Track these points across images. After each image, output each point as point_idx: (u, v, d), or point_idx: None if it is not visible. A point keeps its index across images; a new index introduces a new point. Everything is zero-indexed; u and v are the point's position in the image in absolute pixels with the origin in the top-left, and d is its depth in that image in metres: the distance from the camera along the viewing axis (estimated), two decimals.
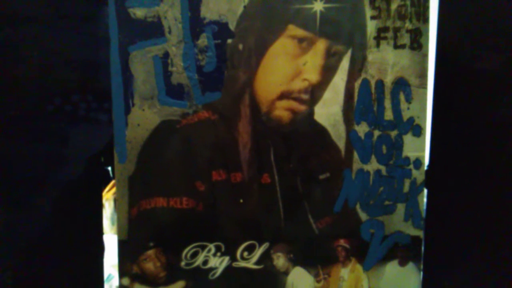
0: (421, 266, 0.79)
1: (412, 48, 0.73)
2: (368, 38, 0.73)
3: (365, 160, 0.75)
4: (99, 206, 0.80)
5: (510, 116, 0.76)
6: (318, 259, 0.77)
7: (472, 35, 0.76)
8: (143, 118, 0.73)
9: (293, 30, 0.71)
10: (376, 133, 0.75)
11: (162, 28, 0.71)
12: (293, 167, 0.75)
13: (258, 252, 0.76)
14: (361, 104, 0.74)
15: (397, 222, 0.77)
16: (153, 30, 0.71)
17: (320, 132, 0.74)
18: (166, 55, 0.71)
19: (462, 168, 0.79)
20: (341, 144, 0.75)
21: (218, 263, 0.76)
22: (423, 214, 0.77)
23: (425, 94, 0.75)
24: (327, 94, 0.73)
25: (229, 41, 0.71)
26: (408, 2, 0.72)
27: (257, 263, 0.76)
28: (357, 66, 0.73)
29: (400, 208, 0.77)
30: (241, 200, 0.75)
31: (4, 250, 0.75)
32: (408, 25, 0.73)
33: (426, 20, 0.73)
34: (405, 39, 0.73)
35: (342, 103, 0.74)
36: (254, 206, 0.75)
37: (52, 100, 0.74)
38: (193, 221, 0.75)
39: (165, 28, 0.71)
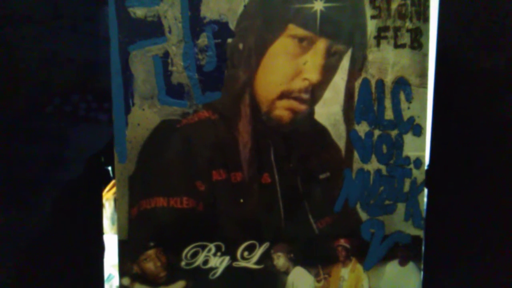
0: (422, 266, 0.79)
1: (412, 47, 0.73)
2: (368, 37, 0.73)
3: (365, 159, 0.75)
4: (99, 206, 0.80)
5: (511, 116, 0.76)
6: (318, 259, 0.77)
7: (473, 34, 0.76)
8: (143, 118, 0.73)
9: (293, 29, 0.71)
10: (377, 132, 0.75)
11: (162, 27, 0.71)
12: (293, 166, 0.75)
13: (259, 252, 0.76)
14: (361, 103, 0.74)
15: (398, 221, 0.77)
16: (153, 29, 0.71)
17: (320, 131, 0.74)
18: (166, 54, 0.71)
19: (462, 168, 0.79)
20: (341, 143, 0.75)
21: (218, 263, 0.76)
22: (424, 213, 0.77)
23: (425, 93, 0.75)
24: (328, 94, 0.73)
25: (229, 40, 0.71)
26: (409, 2, 0.72)
27: (257, 263, 0.76)
28: (358, 66, 0.73)
29: (401, 207, 0.77)
30: (242, 200, 0.75)
31: (4, 250, 0.75)
32: (408, 24, 0.73)
33: (426, 19, 0.73)
34: (406, 38, 0.73)
35: (342, 103, 0.74)
36: (254, 206, 0.75)
37: (52, 100, 0.74)
38: (193, 221, 0.74)
39: (165, 28, 0.71)
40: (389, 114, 0.75)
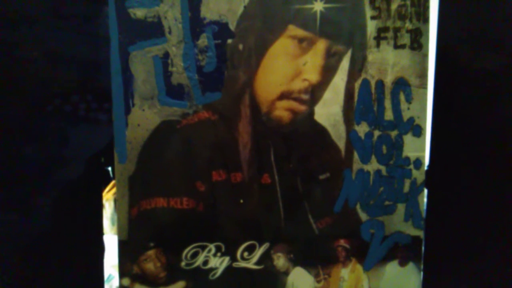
0: (421, 266, 0.79)
1: (412, 48, 0.73)
2: (368, 38, 0.73)
3: (365, 160, 0.75)
4: (99, 207, 0.80)
5: (510, 116, 0.76)
6: (318, 259, 0.77)
7: (472, 35, 0.76)
8: (143, 118, 0.73)
9: (293, 30, 0.71)
10: (376, 133, 0.75)
11: (162, 28, 0.71)
12: (293, 167, 0.75)
13: (259, 252, 0.76)
14: (361, 104, 0.74)
15: (397, 222, 0.77)
16: (153, 30, 0.71)
17: (320, 132, 0.74)
18: (166, 55, 0.71)
19: (462, 168, 0.79)
20: (341, 144, 0.75)
21: (218, 263, 0.76)
22: (423, 214, 0.77)
23: (425, 94, 0.75)
24: (327, 94, 0.73)
25: (229, 41, 0.71)
26: (408, 2, 0.72)
27: (257, 263, 0.76)
28: (357, 66, 0.73)
29: (400, 208, 0.77)
30: (241, 200, 0.75)
31: (4, 250, 0.75)
32: (408, 25, 0.73)
33: (426, 20, 0.73)
34: (405, 39, 0.73)
35: (342, 103, 0.74)
36: (254, 206, 0.75)
37: (52, 100, 0.74)
38: (193, 221, 0.75)
39: (165, 28, 0.71)
40: (389, 115, 0.75)
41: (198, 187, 0.74)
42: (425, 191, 0.77)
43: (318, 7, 0.71)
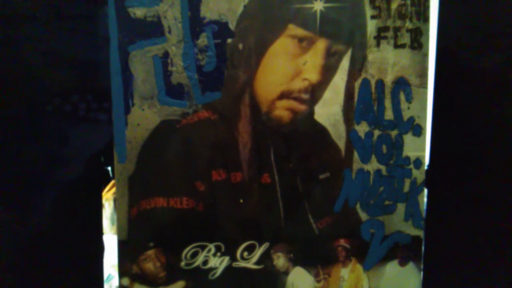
0: (422, 266, 0.79)
1: (412, 47, 0.73)
2: (368, 37, 0.73)
3: (365, 159, 0.75)
4: (99, 206, 0.80)
5: (511, 116, 0.76)
6: (318, 259, 0.77)
7: (473, 34, 0.76)
8: (143, 118, 0.72)
9: (293, 29, 0.71)
10: (376, 132, 0.75)
11: (162, 27, 0.71)
12: (293, 166, 0.75)
13: (258, 252, 0.76)
14: (361, 103, 0.74)
15: (397, 222, 0.77)
16: (153, 29, 0.71)
17: (320, 131, 0.74)
18: (166, 54, 0.71)
19: (462, 168, 0.79)
20: (341, 143, 0.75)
21: (218, 263, 0.76)
22: (424, 214, 0.77)
23: (425, 93, 0.75)
24: (327, 94, 0.73)
25: (229, 40, 0.71)
26: (408, 2, 0.72)
27: (257, 263, 0.76)
28: (357, 66, 0.73)
29: (400, 208, 0.77)
30: (241, 200, 0.74)
31: (4, 249, 0.75)
32: (408, 24, 0.73)
33: (426, 19, 0.73)
34: (406, 38, 0.73)
35: (342, 103, 0.74)
36: (254, 206, 0.75)
37: (52, 100, 0.74)
38: (193, 221, 0.74)
39: (165, 28, 0.71)
40: (389, 114, 0.75)
41: (198, 187, 0.74)
42: (425, 190, 0.77)
43: (318, 6, 0.71)
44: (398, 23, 0.73)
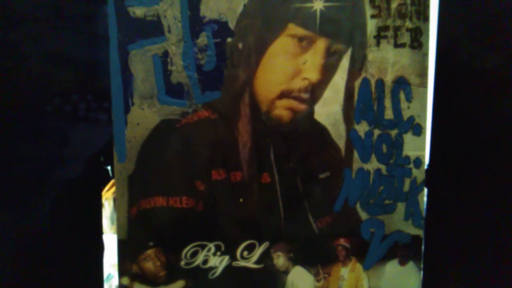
0: (421, 265, 0.79)
1: (412, 47, 0.73)
2: (368, 37, 0.73)
3: (365, 159, 0.75)
4: (99, 206, 0.80)
5: (511, 115, 0.76)
6: (318, 258, 0.77)
7: (473, 34, 0.76)
8: (142, 117, 0.72)
9: (293, 29, 0.71)
10: (376, 132, 0.75)
11: (162, 27, 0.71)
12: (293, 166, 0.75)
13: (258, 252, 0.76)
14: (361, 103, 0.74)
15: (397, 221, 0.77)
16: (152, 29, 0.71)
17: (320, 131, 0.74)
18: (166, 54, 0.71)
19: (462, 167, 0.79)
20: (341, 143, 0.75)
21: (218, 262, 0.76)
22: (423, 213, 0.77)
23: (425, 93, 0.75)
24: (327, 93, 0.73)
25: (229, 40, 0.71)
26: (408, 1, 0.72)
27: (257, 262, 0.76)
28: (357, 65, 0.73)
29: (400, 207, 0.77)
30: (241, 200, 0.74)
31: (4, 249, 0.75)
32: (408, 24, 0.73)
33: (426, 19, 0.73)
34: (405, 38, 0.73)
35: (342, 102, 0.74)
36: (254, 206, 0.75)
37: (51, 100, 0.74)
38: (193, 220, 0.74)
39: (164, 27, 0.71)
40: (389, 114, 0.75)
41: (198, 186, 0.74)
42: (425, 190, 0.77)
43: (318, 5, 0.71)
44: (398, 22, 0.73)
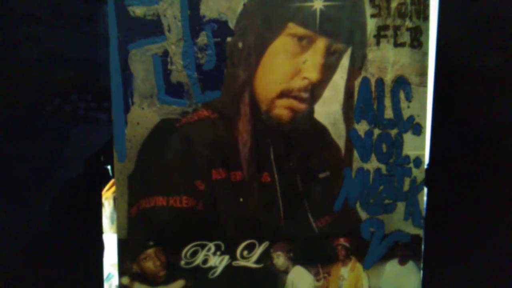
0: (421, 265, 0.79)
1: (412, 46, 0.73)
2: (368, 36, 0.73)
3: (365, 158, 0.75)
4: (99, 205, 0.80)
5: (510, 115, 0.76)
6: (318, 258, 0.77)
7: (473, 33, 0.76)
8: (142, 117, 0.72)
9: (293, 28, 0.71)
10: (376, 131, 0.75)
11: (162, 26, 0.71)
12: (293, 165, 0.75)
13: (258, 251, 0.76)
14: (361, 102, 0.74)
15: (397, 221, 0.77)
16: (152, 28, 0.71)
17: (320, 130, 0.74)
18: (166, 53, 0.71)
19: (462, 167, 0.79)
20: (341, 142, 0.75)
21: (218, 262, 0.76)
22: (423, 212, 0.77)
23: (425, 92, 0.75)
24: (327, 93, 0.73)
25: (229, 39, 0.71)
26: (408, 0, 0.72)
27: (257, 262, 0.76)
28: (357, 65, 0.73)
29: (400, 206, 0.77)
30: (241, 199, 0.74)
31: (4, 249, 0.75)
32: (408, 23, 0.73)
33: (426, 18, 0.73)
34: (405, 37, 0.73)
35: (342, 102, 0.74)
36: (254, 205, 0.75)
37: (51, 100, 0.74)
38: (193, 220, 0.74)
39: (164, 26, 0.71)
40: (388, 113, 0.75)
41: (198, 186, 0.74)
42: (425, 189, 0.77)
43: (318, 5, 0.71)
44: (398, 21, 0.73)
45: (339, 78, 0.73)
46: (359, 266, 0.78)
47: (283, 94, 0.73)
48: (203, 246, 0.75)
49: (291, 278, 0.77)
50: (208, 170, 0.74)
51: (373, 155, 0.75)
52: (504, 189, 0.76)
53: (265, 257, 0.76)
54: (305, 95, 0.73)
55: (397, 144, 0.75)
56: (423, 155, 0.76)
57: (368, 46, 0.73)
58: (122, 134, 0.73)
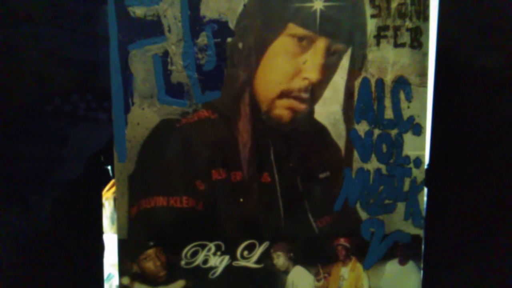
0: (421, 265, 0.79)
1: (412, 46, 0.73)
2: (368, 36, 0.73)
3: (365, 159, 0.75)
4: (99, 205, 0.80)
5: (510, 115, 0.76)
6: (318, 258, 0.77)
7: (472, 33, 0.76)
8: (142, 117, 0.72)
9: (293, 28, 0.71)
10: (376, 132, 0.75)
11: (162, 26, 0.71)
12: (293, 166, 0.75)
13: (258, 251, 0.76)
14: (361, 102, 0.74)
15: (397, 221, 0.77)
16: (152, 28, 0.71)
17: (320, 131, 0.74)
18: (166, 53, 0.71)
19: (462, 167, 0.79)
20: (341, 143, 0.75)
21: (218, 262, 0.76)
22: (423, 213, 0.77)
23: (425, 92, 0.75)
24: (327, 93, 0.73)
25: (229, 39, 0.71)
26: (408, 1, 0.72)
27: (257, 262, 0.76)
28: (357, 65, 0.73)
29: (400, 207, 0.77)
30: (241, 199, 0.74)
31: (4, 249, 0.75)
32: (408, 23, 0.73)
33: (426, 18, 0.73)
34: (405, 37, 0.73)
35: (342, 102, 0.74)
36: (254, 205, 0.75)
37: (51, 100, 0.74)
38: (193, 220, 0.74)
39: (164, 27, 0.71)
40: (389, 113, 0.75)
41: (198, 186, 0.74)
42: (425, 189, 0.77)
43: (318, 5, 0.71)
44: (398, 22, 0.73)
45: (339, 78, 0.73)
46: (359, 266, 0.78)
47: (283, 95, 0.73)
48: (203, 246, 0.75)
49: (291, 278, 0.77)
50: (208, 170, 0.74)
51: (373, 155, 0.75)
52: (504, 189, 0.76)
53: (266, 257, 0.76)
54: (305, 95, 0.73)
55: (397, 144, 0.75)
56: (423, 155, 0.76)
57: (368, 47, 0.73)
58: (122, 134, 0.73)
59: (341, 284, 0.78)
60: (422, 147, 0.76)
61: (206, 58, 0.72)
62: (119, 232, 0.75)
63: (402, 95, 0.74)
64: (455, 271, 0.81)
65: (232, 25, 0.71)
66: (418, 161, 0.76)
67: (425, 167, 0.76)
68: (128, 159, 0.73)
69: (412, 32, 0.73)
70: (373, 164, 0.76)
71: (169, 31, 0.71)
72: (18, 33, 0.72)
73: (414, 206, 0.77)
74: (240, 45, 0.72)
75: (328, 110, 0.74)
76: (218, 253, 0.76)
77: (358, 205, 0.76)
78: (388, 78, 0.74)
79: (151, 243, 0.75)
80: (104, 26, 0.72)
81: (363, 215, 0.77)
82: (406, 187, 0.76)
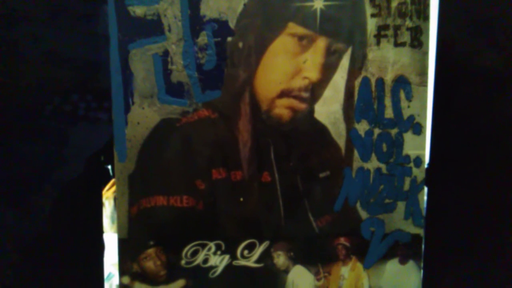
0: (422, 264, 0.79)
1: (412, 46, 0.73)
2: (368, 36, 0.73)
3: (365, 158, 0.75)
4: (99, 205, 0.80)
5: (511, 114, 0.76)
6: (318, 257, 0.77)
7: (473, 33, 0.76)
8: (143, 117, 0.72)
9: (293, 28, 0.71)
10: (376, 131, 0.75)
11: (162, 26, 0.71)
12: (293, 165, 0.75)
13: (259, 251, 0.76)
14: (361, 102, 0.74)
15: (398, 220, 0.77)
16: (152, 28, 0.71)
17: (320, 130, 0.74)
18: (166, 53, 0.71)
19: (462, 166, 0.79)
20: (341, 142, 0.75)
21: (218, 261, 0.76)
22: (424, 212, 0.77)
23: (425, 92, 0.75)
24: (327, 92, 0.73)
25: (229, 39, 0.71)
26: (409, 0, 0.72)
27: (257, 261, 0.76)
28: (357, 64, 0.73)
29: (401, 206, 0.77)
30: (241, 199, 0.75)
31: (4, 249, 0.75)
32: (408, 23, 0.73)
33: (426, 18, 0.73)
34: (406, 37, 0.73)
35: (342, 101, 0.74)
36: (254, 205, 0.75)
37: (51, 100, 0.74)
38: (193, 219, 0.74)
39: (164, 26, 0.71)
40: (389, 113, 0.75)
41: (198, 186, 0.74)
42: (425, 189, 0.77)
43: (318, 4, 0.71)
44: (398, 21, 0.73)
45: (340, 77, 0.73)
46: (359, 265, 0.78)
47: (284, 94, 0.73)
48: (203, 246, 0.75)
49: (291, 278, 0.77)
50: (208, 170, 0.74)
51: (373, 155, 0.75)
52: (504, 189, 0.76)
53: (266, 256, 0.76)
54: (305, 94, 0.73)
55: (397, 143, 0.75)
56: (423, 154, 0.76)
57: (368, 46, 0.73)
58: (122, 134, 0.73)
59: (341, 284, 0.78)
60: (422, 147, 0.76)
61: (206, 58, 0.72)
62: (119, 231, 0.75)
63: (402, 95, 0.74)
64: (455, 271, 0.81)
65: (232, 24, 0.71)
66: (418, 161, 0.76)
67: (425, 166, 0.76)
68: (128, 158, 0.73)
69: (412, 31, 0.73)
70: (373, 164, 0.76)
71: (169, 30, 0.71)
72: (18, 33, 0.72)
73: (414, 206, 0.77)
74: (240, 44, 0.72)
75: (328, 110, 0.74)
76: (218, 252, 0.76)
77: (358, 205, 0.76)
78: (388, 78, 0.74)
79: (151, 243, 0.75)
80: (104, 25, 0.72)
81: (363, 214, 0.77)
82: (406, 186, 0.76)
